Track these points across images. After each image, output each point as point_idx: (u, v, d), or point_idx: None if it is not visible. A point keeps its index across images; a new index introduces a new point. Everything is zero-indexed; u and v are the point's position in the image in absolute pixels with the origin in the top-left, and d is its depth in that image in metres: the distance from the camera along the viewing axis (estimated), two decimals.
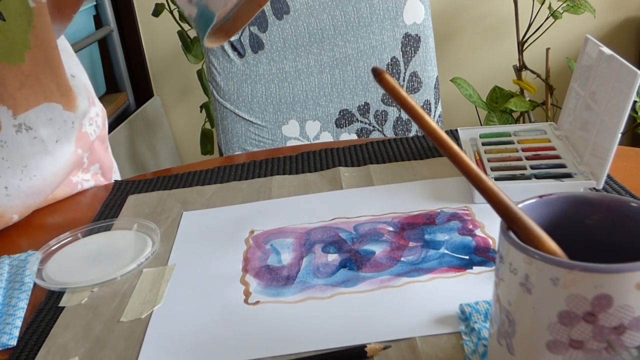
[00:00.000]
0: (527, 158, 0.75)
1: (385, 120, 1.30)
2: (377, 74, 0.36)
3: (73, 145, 0.82)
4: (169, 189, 0.83)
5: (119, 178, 0.99)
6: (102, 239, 0.72)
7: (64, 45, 0.89)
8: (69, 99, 0.79)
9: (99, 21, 2.06)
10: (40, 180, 0.79)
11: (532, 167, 0.72)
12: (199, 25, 0.60)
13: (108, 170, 0.96)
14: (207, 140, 2.04)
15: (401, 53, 1.27)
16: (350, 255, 0.62)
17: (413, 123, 1.31)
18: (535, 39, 1.89)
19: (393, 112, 1.30)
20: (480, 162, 0.75)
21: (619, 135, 0.63)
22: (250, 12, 0.65)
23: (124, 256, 0.67)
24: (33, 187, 0.78)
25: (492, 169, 0.72)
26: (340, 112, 1.29)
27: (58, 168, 0.81)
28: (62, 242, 0.71)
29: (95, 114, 0.88)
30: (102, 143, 0.95)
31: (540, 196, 0.41)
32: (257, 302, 0.57)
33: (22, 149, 0.76)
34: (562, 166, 0.72)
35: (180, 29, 1.94)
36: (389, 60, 1.27)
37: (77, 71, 0.88)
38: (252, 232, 0.69)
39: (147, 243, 0.68)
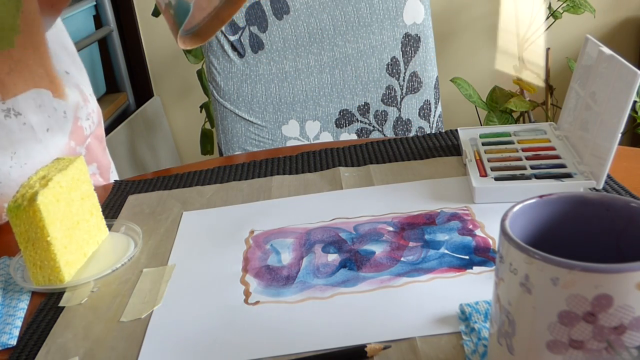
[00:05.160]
0: (527, 158, 0.75)
1: (385, 120, 1.30)
2: None
3: (67, 137, 0.82)
4: (169, 189, 0.83)
5: (117, 178, 0.99)
6: None
7: (65, 42, 0.89)
8: (57, 86, 0.80)
9: (99, 21, 2.06)
10: (31, 169, 0.78)
11: (532, 167, 0.72)
12: (177, 15, 0.60)
13: (106, 170, 0.96)
14: (207, 140, 2.04)
15: (401, 53, 1.27)
16: (350, 255, 0.62)
17: (413, 123, 1.31)
18: (536, 39, 1.89)
19: (393, 112, 1.30)
20: (480, 162, 0.75)
21: (619, 135, 0.63)
22: (229, 12, 0.65)
23: (102, 260, 0.67)
24: (24, 175, 0.78)
25: (492, 169, 0.72)
26: (340, 112, 1.29)
27: (50, 158, 0.80)
28: None
29: (91, 110, 0.88)
30: (99, 143, 0.95)
31: (540, 196, 0.41)
32: (257, 302, 0.57)
33: (12, 135, 0.75)
34: (562, 166, 0.72)
35: None
36: (389, 60, 1.27)
37: (73, 69, 0.88)
38: (252, 232, 0.69)
39: (129, 247, 0.68)
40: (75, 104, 0.83)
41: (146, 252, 0.68)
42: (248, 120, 1.26)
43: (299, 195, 0.76)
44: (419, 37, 1.27)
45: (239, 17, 1.21)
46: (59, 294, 0.62)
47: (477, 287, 0.55)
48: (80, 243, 0.65)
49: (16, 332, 0.57)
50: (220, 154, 1.29)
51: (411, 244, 0.63)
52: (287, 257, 0.63)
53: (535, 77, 1.99)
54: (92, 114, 0.88)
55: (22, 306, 0.61)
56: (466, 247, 0.61)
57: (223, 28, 1.20)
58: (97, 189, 0.89)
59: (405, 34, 1.27)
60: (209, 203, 0.77)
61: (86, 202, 0.67)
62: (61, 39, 0.88)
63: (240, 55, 1.23)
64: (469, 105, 1.93)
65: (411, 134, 1.26)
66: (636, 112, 1.74)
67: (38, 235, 0.60)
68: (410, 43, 1.27)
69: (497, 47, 2.15)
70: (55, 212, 0.61)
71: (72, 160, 0.67)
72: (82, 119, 0.84)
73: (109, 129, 1.88)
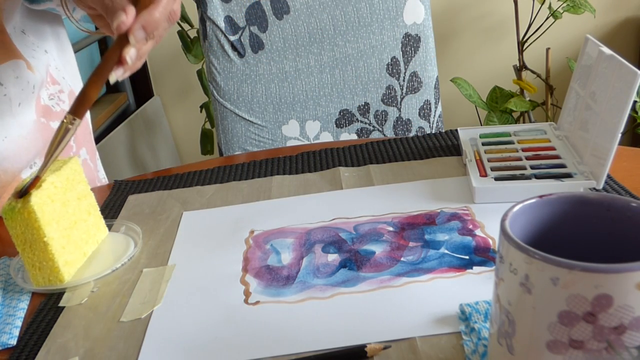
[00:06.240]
0: (527, 158, 0.75)
1: (385, 120, 1.30)
2: None
3: (34, 113, 0.82)
4: (169, 189, 0.83)
5: (100, 163, 1.00)
6: None
7: (54, 24, 0.90)
8: (27, 60, 0.80)
9: None
10: (11, 142, 0.78)
11: (532, 167, 0.72)
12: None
13: (93, 155, 0.96)
14: (207, 140, 2.04)
15: (401, 53, 1.27)
16: (350, 255, 0.62)
17: (413, 123, 1.31)
18: (535, 39, 1.89)
19: (393, 112, 1.30)
20: (480, 162, 0.75)
21: (619, 135, 0.63)
22: None
23: (102, 260, 0.67)
24: (7, 149, 0.78)
25: (492, 169, 0.72)
26: (340, 112, 1.29)
27: (26, 132, 0.81)
28: None
29: (59, 91, 0.88)
30: (85, 127, 0.95)
31: (540, 196, 0.41)
32: (257, 302, 0.57)
33: None
34: (562, 166, 0.72)
35: (180, 29, 1.94)
36: (389, 60, 1.27)
37: (54, 51, 0.88)
38: (252, 232, 0.69)
39: (129, 247, 0.68)
40: (40, 81, 0.83)
41: (146, 252, 0.68)
42: (248, 120, 1.26)
43: (299, 195, 0.76)
44: (419, 37, 1.27)
45: (239, 17, 1.21)
46: (59, 294, 0.62)
47: (477, 287, 0.55)
48: (78, 243, 0.65)
49: (16, 332, 0.57)
50: (220, 154, 1.29)
51: (411, 244, 0.63)
52: (287, 257, 0.63)
53: (535, 77, 1.99)
54: (59, 94, 0.88)
55: (22, 306, 0.61)
56: (466, 247, 0.61)
57: (223, 28, 1.20)
58: (97, 189, 0.89)
59: (405, 34, 1.27)
60: (209, 203, 0.77)
61: (83, 202, 0.67)
62: (50, 20, 0.89)
63: (241, 55, 1.23)
64: (469, 105, 1.93)
65: (411, 134, 1.26)
66: (636, 112, 1.74)
67: (34, 237, 0.60)
68: (411, 43, 1.27)
69: (497, 47, 2.15)
70: (51, 212, 0.61)
71: (66, 161, 0.67)
72: (44, 99, 0.84)
73: (108, 129, 1.87)
